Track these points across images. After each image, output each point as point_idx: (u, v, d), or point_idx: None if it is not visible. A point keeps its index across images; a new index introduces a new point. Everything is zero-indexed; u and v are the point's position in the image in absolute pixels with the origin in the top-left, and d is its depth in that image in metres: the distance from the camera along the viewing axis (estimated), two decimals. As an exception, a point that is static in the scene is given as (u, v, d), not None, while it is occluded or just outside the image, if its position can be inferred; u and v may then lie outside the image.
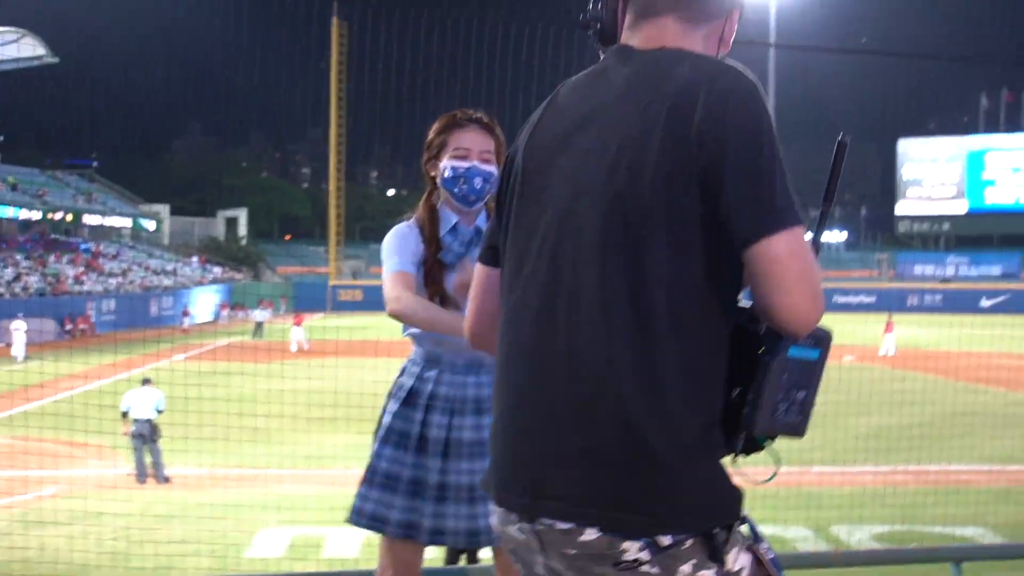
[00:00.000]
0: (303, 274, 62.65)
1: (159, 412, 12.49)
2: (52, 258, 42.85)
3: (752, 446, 1.56)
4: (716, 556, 1.51)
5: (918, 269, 61.55)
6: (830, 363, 1.56)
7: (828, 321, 1.55)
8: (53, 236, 47.34)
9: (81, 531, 9.62)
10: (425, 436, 2.68)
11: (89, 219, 49.77)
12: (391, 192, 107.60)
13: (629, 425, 1.48)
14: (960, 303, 46.23)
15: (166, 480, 12.23)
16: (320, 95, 64.73)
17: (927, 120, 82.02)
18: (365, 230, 77.43)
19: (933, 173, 63.54)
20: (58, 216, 46.73)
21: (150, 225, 56.31)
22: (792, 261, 1.45)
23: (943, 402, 15.10)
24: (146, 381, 12.77)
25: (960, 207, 63.02)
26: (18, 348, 27.26)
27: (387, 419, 2.75)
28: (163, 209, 63.26)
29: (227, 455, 12.87)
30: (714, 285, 1.51)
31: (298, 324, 31.10)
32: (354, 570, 4.11)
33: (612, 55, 1.66)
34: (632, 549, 1.48)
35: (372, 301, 55.06)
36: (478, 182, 2.71)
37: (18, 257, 40.82)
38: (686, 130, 1.48)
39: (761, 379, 1.51)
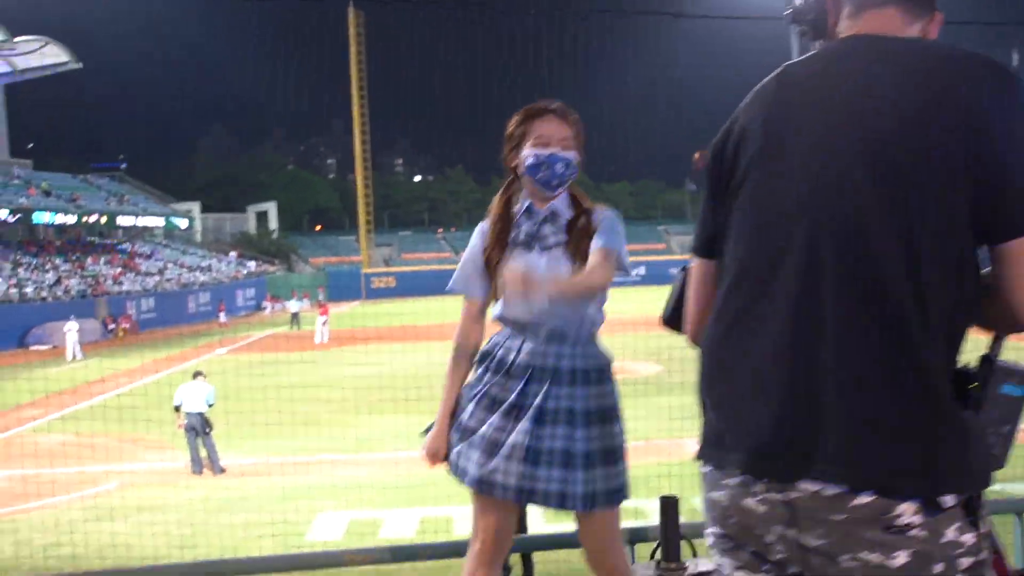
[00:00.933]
0: (335, 264, 63.10)
1: (210, 405, 12.75)
2: (90, 260, 43.50)
3: None
4: (975, 520, 1.53)
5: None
6: None
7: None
8: (89, 239, 48.03)
9: (148, 520, 9.92)
10: (510, 402, 2.81)
11: (123, 220, 50.36)
12: (417, 178, 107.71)
13: (927, 387, 1.49)
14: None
15: (222, 471, 12.49)
16: (340, 86, 64.93)
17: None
18: (393, 217, 77.60)
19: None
20: (92, 219, 47.33)
21: (182, 223, 56.87)
22: None
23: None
24: (197, 374, 13.03)
25: None
26: (73, 348, 28.01)
27: (476, 383, 2.89)
28: (194, 207, 63.80)
29: (280, 442, 13.17)
30: (969, 269, 1.55)
31: (324, 314, 30.48)
32: (414, 544, 4.21)
33: (851, 41, 1.69)
34: (907, 512, 1.50)
35: (405, 287, 55.56)
36: (560, 167, 2.83)
37: (57, 261, 41.48)
38: (964, 114, 1.51)
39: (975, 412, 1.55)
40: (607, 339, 2.91)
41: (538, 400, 2.79)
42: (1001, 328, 1.61)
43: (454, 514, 9.51)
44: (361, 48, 60.97)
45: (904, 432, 1.49)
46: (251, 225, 70.24)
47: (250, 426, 13.19)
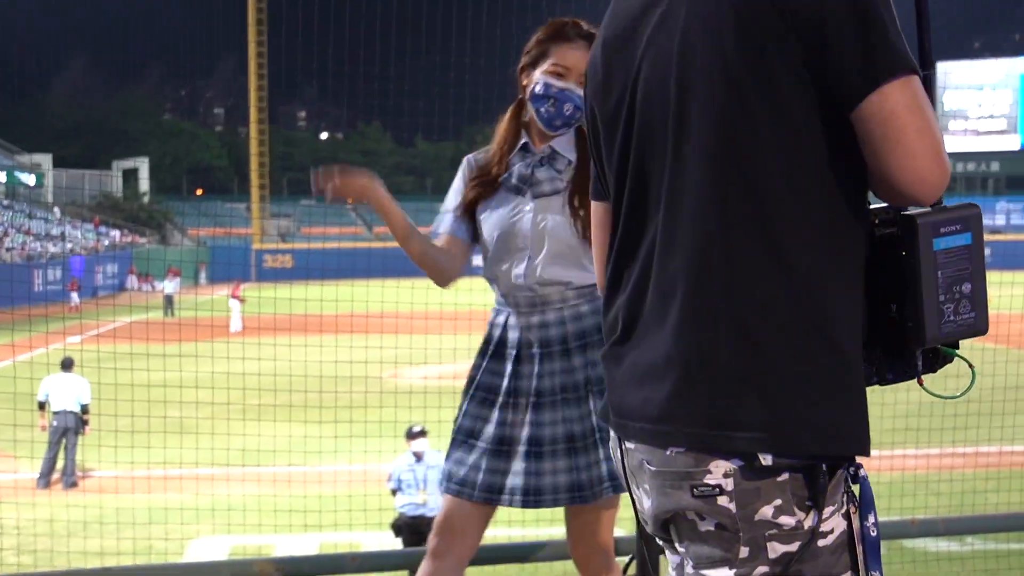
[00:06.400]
0: (220, 237, 62.36)
1: (83, 405, 12.62)
2: (-91, 222, 42.51)
3: (937, 359, 1.60)
4: (806, 503, 1.51)
5: (962, 218, 62.15)
6: None
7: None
8: (-91, 195, 46.90)
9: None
10: (512, 388, 2.89)
11: (-48, 174, 49.33)
12: (324, 136, 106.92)
13: (741, 324, 1.51)
14: (1014, 258, 46.79)
15: (73, 485, 12.34)
16: (233, 18, 64.10)
17: (971, 39, 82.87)
18: (294, 182, 76.84)
19: (979, 102, 64.09)
20: (-86, 170, 46.26)
21: (29, 180, 55.93)
22: (911, 116, 1.50)
23: (997, 374, 15.39)
24: (68, 364, 12.89)
25: (1011, 142, 63.71)
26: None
27: (473, 373, 2.97)
28: (44, 160, 62.78)
29: (145, 453, 12.95)
30: (829, 163, 1.53)
31: (236, 297, 31.38)
32: (342, 553, 4.10)
33: None
34: (717, 472, 1.52)
35: (305, 268, 54.90)
36: (568, 108, 2.84)
37: None
38: None
39: (913, 285, 1.53)
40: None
41: (527, 381, 2.87)
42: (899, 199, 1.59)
43: (362, 540, 9.48)
44: (260, -28, 60.24)
45: (716, 382, 1.54)
46: (116, 185, 69.15)
47: (106, 432, 12.99)
